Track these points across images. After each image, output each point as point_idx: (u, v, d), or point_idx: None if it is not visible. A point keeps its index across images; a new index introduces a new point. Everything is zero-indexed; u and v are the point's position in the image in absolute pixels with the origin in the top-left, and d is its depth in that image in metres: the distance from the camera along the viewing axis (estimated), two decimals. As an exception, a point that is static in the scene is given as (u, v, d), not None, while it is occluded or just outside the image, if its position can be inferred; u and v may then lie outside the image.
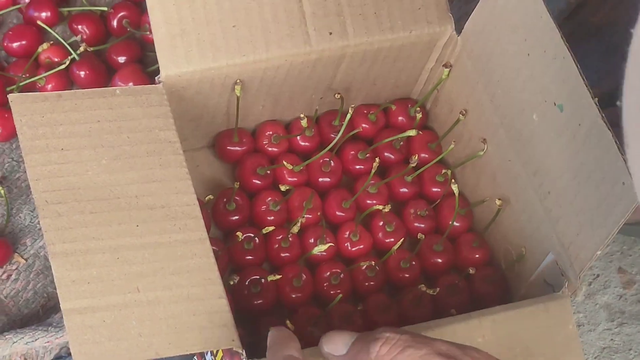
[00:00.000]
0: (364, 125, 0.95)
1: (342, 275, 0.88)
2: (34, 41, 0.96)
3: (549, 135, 0.80)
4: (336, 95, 0.90)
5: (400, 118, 0.96)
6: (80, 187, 0.72)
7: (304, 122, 0.89)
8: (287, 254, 0.89)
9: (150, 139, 0.76)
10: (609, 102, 1.07)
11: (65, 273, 0.68)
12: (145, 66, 0.97)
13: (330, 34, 0.84)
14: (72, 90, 0.76)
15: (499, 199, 0.88)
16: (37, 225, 0.92)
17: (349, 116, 0.89)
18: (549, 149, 0.80)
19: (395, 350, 0.63)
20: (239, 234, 0.84)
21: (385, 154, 0.94)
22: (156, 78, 0.80)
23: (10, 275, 0.90)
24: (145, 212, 0.72)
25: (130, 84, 0.89)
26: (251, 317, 0.85)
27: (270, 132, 0.93)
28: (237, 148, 0.92)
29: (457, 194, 0.88)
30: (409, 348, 0.63)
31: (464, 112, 0.91)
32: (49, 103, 0.75)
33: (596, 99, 0.74)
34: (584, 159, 0.76)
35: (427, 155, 0.94)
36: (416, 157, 0.90)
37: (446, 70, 0.91)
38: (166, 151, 0.75)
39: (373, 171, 0.89)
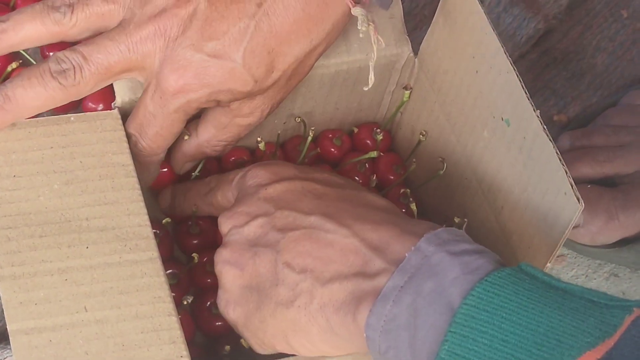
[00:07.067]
0: (331, 149, 0.96)
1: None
2: (5, 62, 0.97)
3: (499, 151, 0.81)
4: (296, 119, 0.92)
5: (367, 141, 0.97)
6: (31, 212, 0.74)
7: (261, 146, 0.90)
8: (250, 277, 0.89)
9: (103, 163, 0.77)
10: (575, 127, 1.07)
11: (13, 295, 0.70)
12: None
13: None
14: (26, 120, 0.78)
15: (457, 217, 0.88)
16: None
17: (309, 139, 0.90)
18: (500, 164, 0.81)
19: None
20: (194, 255, 0.85)
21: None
22: (112, 104, 0.82)
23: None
24: (95, 234, 0.74)
25: (101, 105, 0.89)
26: (212, 338, 0.86)
27: (234, 158, 0.94)
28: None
29: (415, 213, 0.89)
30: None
31: (424, 133, 0.92)
32: (3, 133, 0.77)
33: (538, 111, 0.75)
34: (530, 172, 0.77)
35: (393, 177, 0.95)
36: (374, 177, 0.91)
37: (407, 92, 0.92)
38: (119, 174, 0.77)
39: (335, 193, 0.90)
